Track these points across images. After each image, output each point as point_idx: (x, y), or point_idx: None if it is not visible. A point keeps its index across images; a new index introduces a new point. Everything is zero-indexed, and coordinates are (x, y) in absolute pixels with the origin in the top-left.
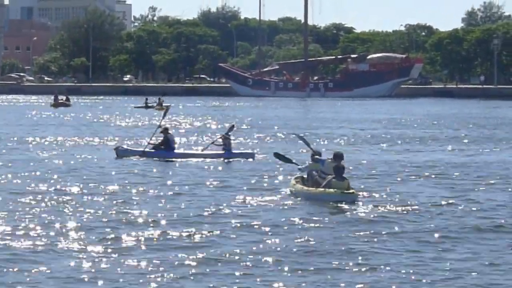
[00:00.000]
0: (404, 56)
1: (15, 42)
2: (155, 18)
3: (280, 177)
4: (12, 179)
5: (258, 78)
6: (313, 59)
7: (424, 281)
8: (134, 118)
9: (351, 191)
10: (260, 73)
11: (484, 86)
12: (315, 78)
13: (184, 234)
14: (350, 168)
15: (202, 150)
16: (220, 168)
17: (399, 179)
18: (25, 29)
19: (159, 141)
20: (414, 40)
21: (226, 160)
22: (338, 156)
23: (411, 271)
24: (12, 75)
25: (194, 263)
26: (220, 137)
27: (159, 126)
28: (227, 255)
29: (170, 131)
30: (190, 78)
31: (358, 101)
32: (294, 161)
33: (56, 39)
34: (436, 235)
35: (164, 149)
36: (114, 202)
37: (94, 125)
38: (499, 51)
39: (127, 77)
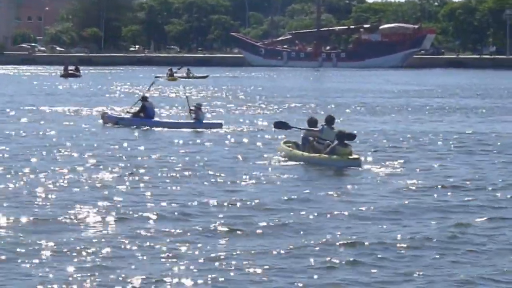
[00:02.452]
0: (416, 26)
1: (27, 12)
2: None
3: (260, 144)
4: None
5: (270, 47)
6: (326, 29)
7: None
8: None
9: (355, 156)
10: (273, 42)
11: (496, 56)
12: (328, 48)
13: (178, 212)
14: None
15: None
16: (197, 138)
17: (405, 148)
18: None
19: (138, 109)
20: (426, 10)
21: (196, 130)
22: (329, 120)
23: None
24: (24, 45)
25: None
26: (193, 107)
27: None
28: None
29: (148, 100)
30: (202, 48)
31: (370, 71)
32: (293, 126)
33: (68, 9)
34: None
35: (143, 117)
36: (89, 171)
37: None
38: None
39: (136, 48)
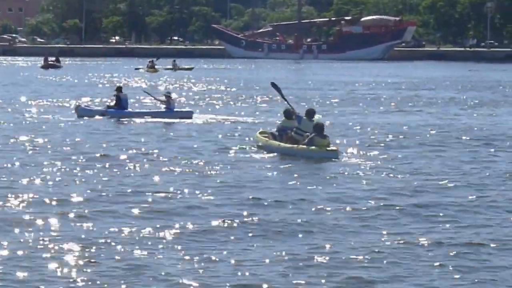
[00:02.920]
0: (397, 19)
1: (8, 3)
2: None
3: (236, 135)
4: None
5: (251, 39)
6: (307, 21)
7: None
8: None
9: (333, 148)
10: (254, 34)
11: (476, 49)
12: (309, 40)
13: (155, 203)
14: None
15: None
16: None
17: (385, 140)
18: None
19: (113, 100)
20: (407, 2)
21: (168, 119)
22: (310, 113)
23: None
24: (5, 36)
25: (170, 234)
26: (163, 96)
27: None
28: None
29: (123, 91)
30: (183, 40)
31: (351, 64)
32: (286, 99)
33: (48, 0)
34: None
35: (117, 108)
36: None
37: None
38: (493, 14)
39: (116, 39)
